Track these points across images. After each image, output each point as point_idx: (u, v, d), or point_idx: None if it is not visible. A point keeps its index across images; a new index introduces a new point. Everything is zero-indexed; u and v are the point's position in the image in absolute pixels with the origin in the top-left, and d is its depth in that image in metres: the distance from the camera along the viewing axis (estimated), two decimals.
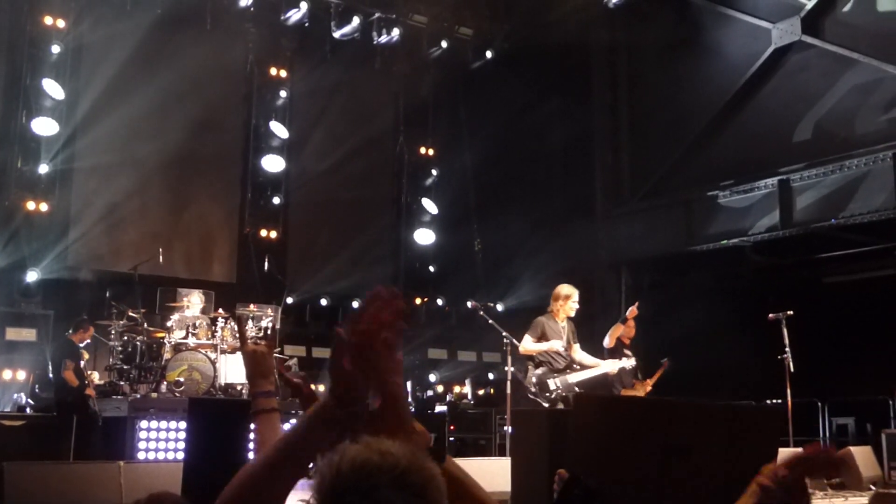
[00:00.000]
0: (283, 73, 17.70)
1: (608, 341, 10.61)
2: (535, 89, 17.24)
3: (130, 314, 12.69)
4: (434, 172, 19.42)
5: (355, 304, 17.00)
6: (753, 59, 14.60)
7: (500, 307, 16.60)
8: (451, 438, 13.74)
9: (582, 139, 17.31)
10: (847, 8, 13.79)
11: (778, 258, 14.81)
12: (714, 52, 15.35)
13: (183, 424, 10.22)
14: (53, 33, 14.85)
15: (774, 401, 10.86)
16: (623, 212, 16.43)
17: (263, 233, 17.29)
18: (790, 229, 13.70)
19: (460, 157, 18.76)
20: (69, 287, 14.61)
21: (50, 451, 10.96)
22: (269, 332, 12.95)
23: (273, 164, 17.25)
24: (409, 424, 1.69)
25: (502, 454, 11.32)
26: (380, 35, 17.17)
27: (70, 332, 12.15)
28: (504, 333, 11.82)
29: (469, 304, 13.28)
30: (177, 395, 11.77)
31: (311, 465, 1.69)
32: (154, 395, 11.93)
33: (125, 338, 12.58)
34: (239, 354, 12.72)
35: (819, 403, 13.99)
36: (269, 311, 13.86)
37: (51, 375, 12.49)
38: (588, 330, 16.23)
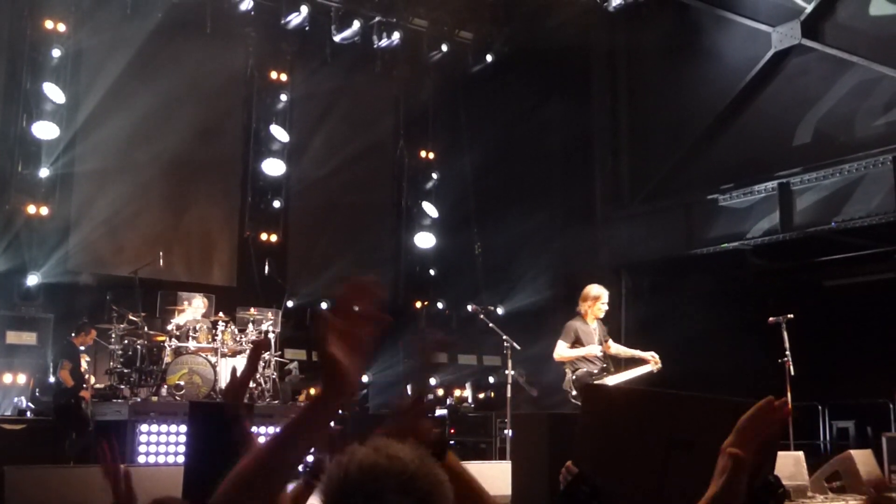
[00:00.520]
0: (284, 77, 17.71)
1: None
2: (536, 93, 17.25)
3: (131, 318, 12.70)
4: (434, 176, 19.42)
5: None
6: (753, 62, 14.61)
7: (500, 310, 16.61)
8: (452, 442, 13.73)
9: (582, 142, 17.32)
10: (846, 11, 13.81)
11: (778, 261, 14.81)
12: (714, 56, 15.36)
13: (183, 428, 10.23)
14: (54, 37, 14.86)
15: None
16: (623, 215, 16.43)
17: (264, 236, 17.29)
18: (790, 232, 13.71)
19: (460, 161, 18.76)
20: (70, 291, 14.61)
21: (50, 454, 10.97)
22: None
23: (273, 167, 17.25)
24: (425, 426, 1.72)
25: (503, 458, 11.32)
26: (380, 39, 17.17)
27: (73, 334, 12.20)
28: (504, 337, 11.84)
29: (469, 307, 13.30)
30: (177, 398, 11.77)
31: (303, 461, 1.70)
32: (154, 398, 11.93)
33: (126, 341, 12.59)
34: (239, 358, 12.77)
35: (819, 407, 13.99)
36: (270, 314, 13.86)
37: (51, 379, 12.52)
38: None
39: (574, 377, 9.34)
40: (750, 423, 2.09)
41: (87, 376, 12.14)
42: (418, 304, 18.81)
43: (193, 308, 13.20)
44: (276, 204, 17.48)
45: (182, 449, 10.60)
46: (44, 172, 14.74)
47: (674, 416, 2.90)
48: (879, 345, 12.85)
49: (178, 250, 16.08)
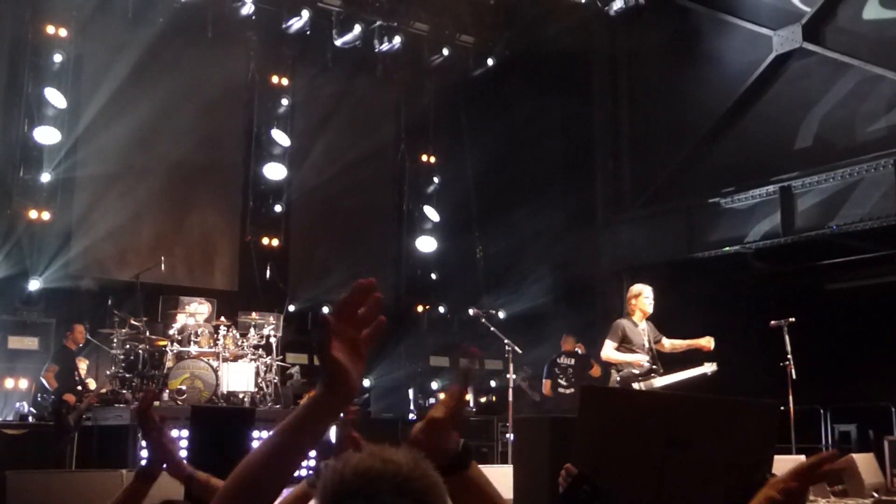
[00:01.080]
0: (285, 81, 17.73)
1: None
2: (537, 97, 17.25)
3: (132, 322, 12.70)
4: (435, 180, 19.44)
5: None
6: (754, 66, 14.61)
7: (501, 314, 16.61)
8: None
9: (583, 146, 17.33)
10: (847, 15, 13.81)
11: (779, 265, 14.80)
12: (715, 60, 15.36)
13: (185, 432, 10.22)
14: (55, 42, 14.89)
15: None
16: (624, 218, 16.43)
17: (265, 241, 17.30)
18: (791, 236, 13.69)
19: (462, 165, 18.77)
20: (71, 295, 14.63)
21: (52, 459, 10.97)
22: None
23: (274, 171, 17.27)
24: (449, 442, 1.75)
25: (504, 462, 11.32)
26: (381, 43, 17.21)
27: (65, 338, 12.25)
28: (506, 341, 11.85)
29: (471, 311, 13.31)
30: (179, 403, 11.76)
31: (303, 459, 1.71)
32: (156, 403, 11.92)
33: (127, 346, 12.59)
34: (241, 362, 12.78)
35: (821, 410, 13.98)
36: (271, 318, 13.86)
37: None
38: (589, 336, 16.26)
39: (619, 378, 9.31)
40: (807, 474, 2.10)
41: (84, 381, 12.12)
42: (420, 308, 18.82)
43: (195, 312, 13.21)
44: (278, 208, 17.50)
45: (184, 453, 10.58)
46: (45, 177, 14.77)
47: (671, 416, 2.92)
48: (881, 348, 12.84)
49: (179, 255, 16.09)
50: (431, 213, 19.13)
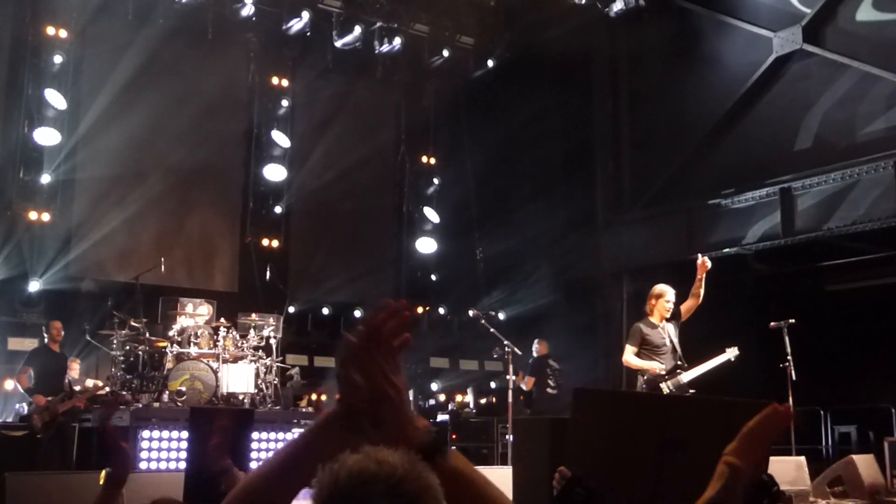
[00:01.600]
0: (285, 83, 17.74)
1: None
2: (537, 98, 17.25)
3: (132, 324, 12.70)
4: (436, 181, 19.44)
5: (357, 314, 17.02)
6: (754, 67, 14.61)
7: (501, 316, 16.62)
8: (454, 447, 13.73)
9: (583, 147, 17.32)
10: (847, 16, 13.81)
11: (779, 266, 14.80)
12: (715, 61, 15.35)
13: (185, 434, 10.22)
14: (56, 43, 14.89)
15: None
16: (624, 220, 16.42)
17: (265, 242, 17.31)
18: (792, 237, 13.69)
19: (462, 166, 18.78)
20: (71, 297, 14.64)
21: (62, 460, 10.99)
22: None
23: (274, 173, 17.27)
24: (411, 422, 1.73)
25: (505, 463, 11.32)
26: (381, 44, 17.21)
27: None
28: (506, 342, 11.85)
29: (471, 312, 13.32)
30: (179, 404, 11.77)
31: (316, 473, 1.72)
32: (156, 404, 11.93)
33: (127, 347, 12.59)
34: (240, 364, 12.78)
35: (822, 412, 13.97)
36: (271, 320, 13.86)
37: None
38: (589, 338, 16.28)
39: (644, 380, 9.25)
40: (755, 430, 2.10)
41: (71, 382, 12.01)
42: (419, 310, 18.82)
43: (195, 314, 13.21)
44: (278, 209, 17.51)
45: (184, 455, 10.59)
46: (45, 178, 14.78)
47: (665, 418, 2.91)
48: (881, 349, 12.83)
49: (179, 256, 16.09)
50: (431, 214, 19.13)
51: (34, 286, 14.40)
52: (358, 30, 16.84)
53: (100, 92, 15.12)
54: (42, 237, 14.74)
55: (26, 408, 12.81)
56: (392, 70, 18.47)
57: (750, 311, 13.82)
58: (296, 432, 11.15)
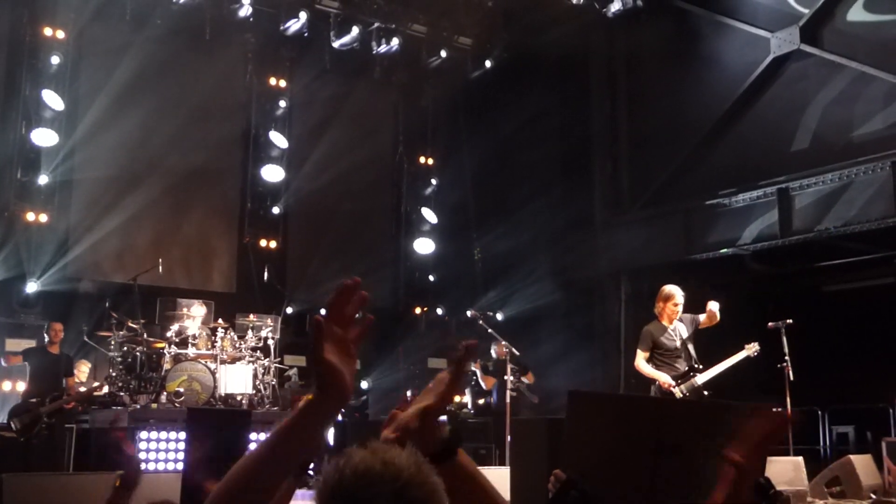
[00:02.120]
0: (283, 83, 17.72)
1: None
2: (535, 99, 17.25)
3: (130, 325, 12.70)
4: (434, 182, 19.42)
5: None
6: (752, 68, 14.62)
7: (499, 316, 16.60)
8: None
9: (581, 148, 17.32)
10: (845, 17, 13.82)
11: (777, 266, 14.80)
12: (713, 62, 15.36)
13: (183, 435, 10.22)
14: (53, 44, 14.87)
15: (774, 409, 10.79)
16: (622, 221, 16.43)
17: (263, 243, 17.29)
18: (789, 237, 13.69)
19: (460, 167, 18.77)
20: (69, 298, 14.60)
21: (49, 462, 10.96)
22: None
23: (272, 173, 17.25)
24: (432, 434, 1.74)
25: (502, 463, 11.32)
26: (379, 45, 17.20)
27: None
28: (504, 343, 11.85)
29: (469, 313, 13.33)
30: (176, 405, 11.76)
31: (299, 461, 1.72)
32: (154, 405, 11.93)
33: (125, 348, 12.59)
34: (238, 365, 12.77)
35: (819, 412, 13.97)
36: (269, 321, 13.86)
37: None
38: (587, 338, 16.28)
39: (655, 387, 9.15)
40: (754, 432, 2.10)
41: (65, 384, 11.91)
42: (418, 310, 18.81)
43: (193, 315, 13.20)
44: (276, 210, 17.49)
45: (181, 455, 10.59)
46: (43, 179, 14.75)
47: (659, 421, 2.91)
48: (879, 349, 12.83)
49: (177, 257, 16.06)
50: (429, 214, 19.11)
51: (32, 287, 14.38)
52: (356, 30, 16.82)
53: (97, 93, 15.10)
54: (40, 238, 14.72)
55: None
56: (390, 71, 18.46)
57: (747, 311, 13.80)
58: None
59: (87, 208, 15.39)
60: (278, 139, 17.30)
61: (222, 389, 12.39)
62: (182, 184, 16.45)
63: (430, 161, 19.57)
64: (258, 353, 13.15)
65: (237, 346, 12.99)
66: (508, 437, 10.77)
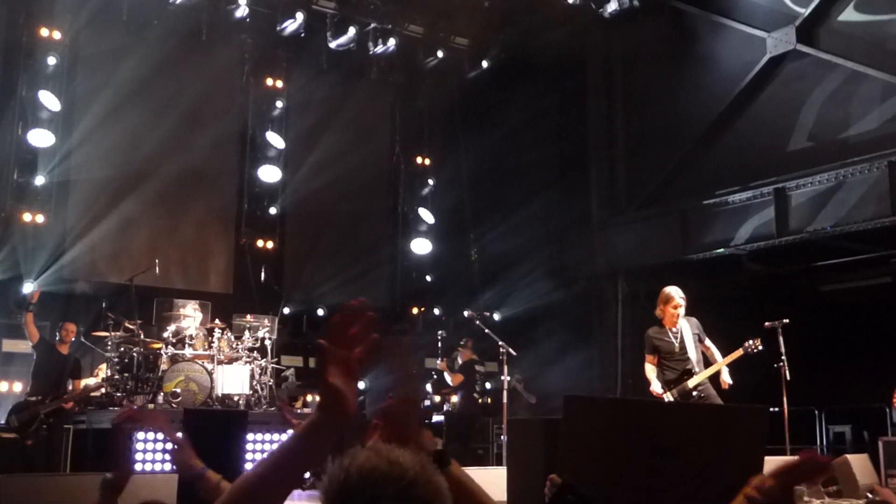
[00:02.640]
0: (280, 84, 17.71)
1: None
2: (531, 99, 17.26)
3: (127, 325, 12.69)
4: (430, 182, 19.42)
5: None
6: (748, 68, 14.63)
7: (496, 316, 16.60)
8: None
9: (578, 148, 17.34)
10: (841, 17, 13.84)
11: (774, 266, 14.81)
12: (709, 62, 15.37)
13: (179, 435, 10.20)
14: (50, 45, 14.85)
15: (771, 409, 10.81)
16: (619, 221, 16.44)
17: (260, 243, 17.28)
18: (786, 237, 13.71)
19: (456, 167, 18.77)
20: (66, 299, 14.58)
21: (46, 462, 10.95)
22: None
23: (269, 174, 17.25)
24: (418, 432, 1.75)
25: (499, 463, 11.32)
26: (375, 45, 17.19)
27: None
28: (500, 343, 11.85)
29: (466, 313, 13.33)
30: (173, 406, 11.75)
31: (304, 475, 1.73)
32: (151, 406, 11.91)
33: (122, 349, 12.58)
34: (235, 365, 12.76)
35: (816, 411, 13.99)
36: (266, 321, 13.86)
37: None
38: (584, 338, 16.28)
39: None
40: (795, 473, 2.09)
41: (68, 384, 11.90)
42: (415, 311, 18.81)
43: (190, 315, 13.19)
44: (273, 210, 17.48)
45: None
46: (39, 180, 14.73)
47: (656, 425, 2.91)
48: (876, 349, 12.85)
49: (173, 257, 16.07)
50: (426, 215, 19.12)
51: (28, 288, 14.36)
52: (352, 31, 16.81)
53: (94, 93, 15.09)
54: (36, 239, 14.69)
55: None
56: (386, 71, 18.45)
57: (744, 311, 13.83)
58: (290, 433, 11.16)
59: (83, 209, 15.37)
60: (275, 140, 17.29)
61: (219, 390, 12.39)
62: (179, 184, 16.43)
63: (427, 161, 19.57)
64: (255, 354, 13.14)
65: (234, 346, 12.99)
66: (504, 437, 10.77)
